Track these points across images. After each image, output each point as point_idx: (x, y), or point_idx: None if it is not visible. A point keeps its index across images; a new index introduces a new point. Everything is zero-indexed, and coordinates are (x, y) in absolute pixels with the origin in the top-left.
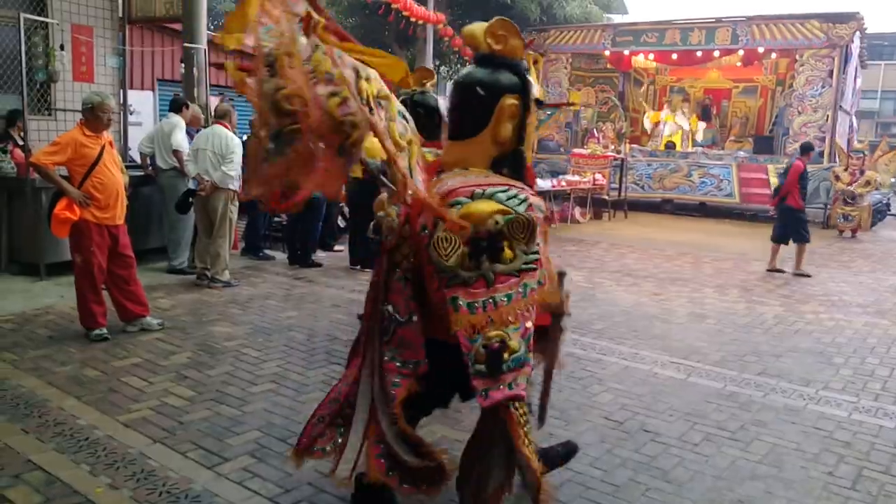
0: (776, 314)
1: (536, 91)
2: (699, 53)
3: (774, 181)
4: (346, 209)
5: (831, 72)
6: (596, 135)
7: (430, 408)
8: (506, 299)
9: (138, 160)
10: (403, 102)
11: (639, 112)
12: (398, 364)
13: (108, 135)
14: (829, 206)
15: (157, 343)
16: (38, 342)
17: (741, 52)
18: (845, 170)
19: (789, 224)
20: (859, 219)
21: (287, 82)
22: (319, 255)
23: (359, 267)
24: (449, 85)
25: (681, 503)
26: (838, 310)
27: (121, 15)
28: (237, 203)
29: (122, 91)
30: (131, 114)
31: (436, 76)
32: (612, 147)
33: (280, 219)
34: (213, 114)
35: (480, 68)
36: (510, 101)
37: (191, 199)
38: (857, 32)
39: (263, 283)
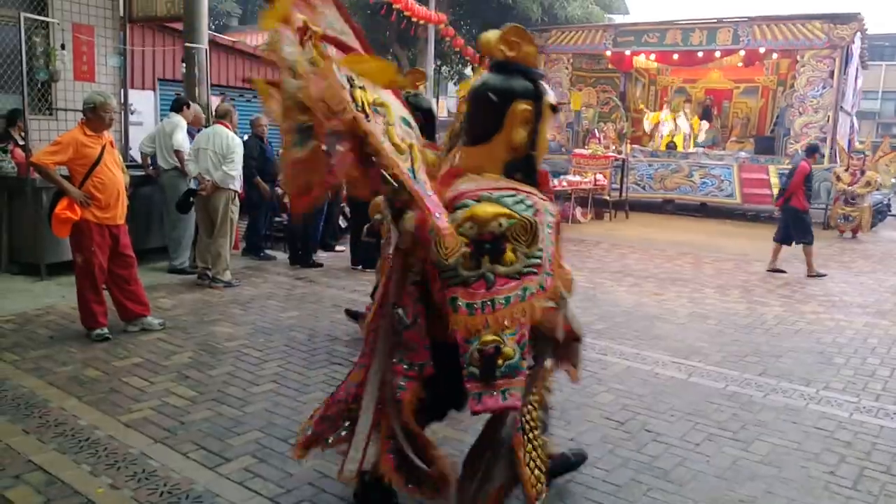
0: (777, 314)
1: (552, 97)
2: (700, 54)
3: (775, 181)
4: (347, 209)
5: (832, 72)
6: (597, 135)
7: (443, 410)
8: (504, 302)
9: (139, 160)
10: None
11: (640, 112)
12: (405, 366)
13: (108, 134)
14: (829, 207)
15: (158, 343)
16: (38, 342)
17: (742, 53)
18: (846, 170)
19: (793, 225)
20: (860, 219)
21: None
22: (320, 256)
23: (360, 267)
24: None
25: (682, 503)
26: (839, 310)
27: (122, 14)
28: (238, 203)
29: (122, 91)
30: (132, 113)
31: (426, 77)
32: (614, 147)
33: (281, 219)
34: (214, 113)
35: (495, 75)
36: (522, 106)
37: (192, 199)
38: (858, 33)
39: (264, 284)
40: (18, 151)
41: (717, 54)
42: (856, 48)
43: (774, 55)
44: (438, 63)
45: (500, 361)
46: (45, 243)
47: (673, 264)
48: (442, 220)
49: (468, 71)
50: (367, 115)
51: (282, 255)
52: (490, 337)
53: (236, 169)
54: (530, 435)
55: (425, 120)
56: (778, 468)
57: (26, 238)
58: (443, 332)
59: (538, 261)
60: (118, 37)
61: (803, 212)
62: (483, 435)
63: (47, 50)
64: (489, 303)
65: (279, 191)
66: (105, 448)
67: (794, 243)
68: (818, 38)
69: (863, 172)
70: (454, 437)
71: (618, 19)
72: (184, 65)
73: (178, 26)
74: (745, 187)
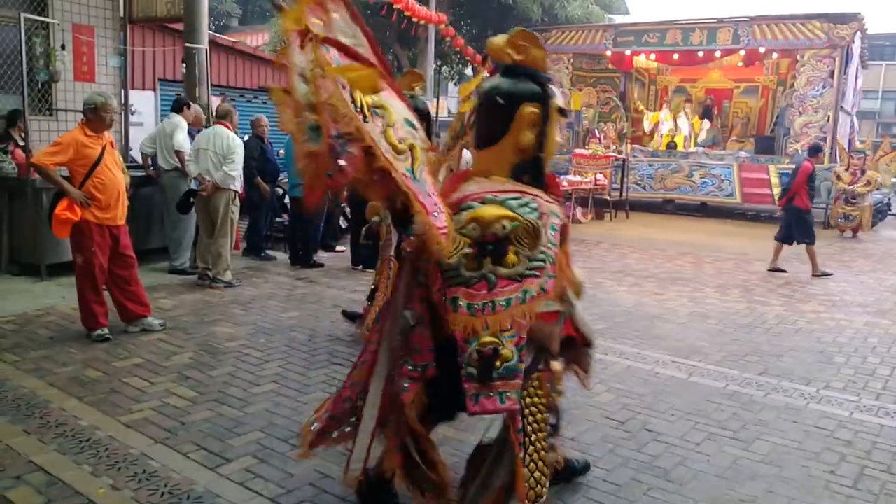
0: (777, 314)
1: (560, 100)
2: (700, 54)
3: (776, 181)
4: (347, 210)
5: (832, 72)
6: (597, 135)
7: (451, 412)
8: (505, 304)
9: (139, 160)
10: None
11: (640, 113)
12: (409, 367)
13: (109, 135)
14: (829, 206)
15: (159, 343)
16: (39, 343)
17: (742, 53)
18: (846, 170)
19: (796, 225)
20: (860, 218)
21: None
22: (321, 256)
23: (360, 267)
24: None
25: (683, 502)
26: (839, 309)
27: (122, 15)
28: (238, 203)
29: (123, 91)
30: (132, 114)
31: (423, 79)
32: (614, 147)
33: (282, 219)
34: (214, 114)
35: (503, 79)
36: (530, 109)
37: (192, 200)
38: (858, 33)
39: (265, 284)
40: (19, 152)
41: (718, 54)
42: (856, 48)
43: (774, 55)
44: (439, 63)
45: (497, 363)
46: (45, 244)
47: (673, 264)
48: (439, 219)
49: (468, 71)
50: (365, 117)
51: (282, 256)
52: (489, 338)
53: (237, 169)
54: (533, 437)
55: (421, 122)
56: (778, 467)
57: (26, 239)
58: (446, 333)
59: (540, 263)
60: (118, 37)
61: (806, 211)
62: (491, 437)
63: (47, 50)
64: (490, 304)
65: (279, 191)
66: (106, 449)
67: (795, 243)
68: (818, 38)
69: (863, 172)
70: (454, 437)
71: (618, 19)
72: (184, 65)
73: (179, 27)
74: (746, 187)
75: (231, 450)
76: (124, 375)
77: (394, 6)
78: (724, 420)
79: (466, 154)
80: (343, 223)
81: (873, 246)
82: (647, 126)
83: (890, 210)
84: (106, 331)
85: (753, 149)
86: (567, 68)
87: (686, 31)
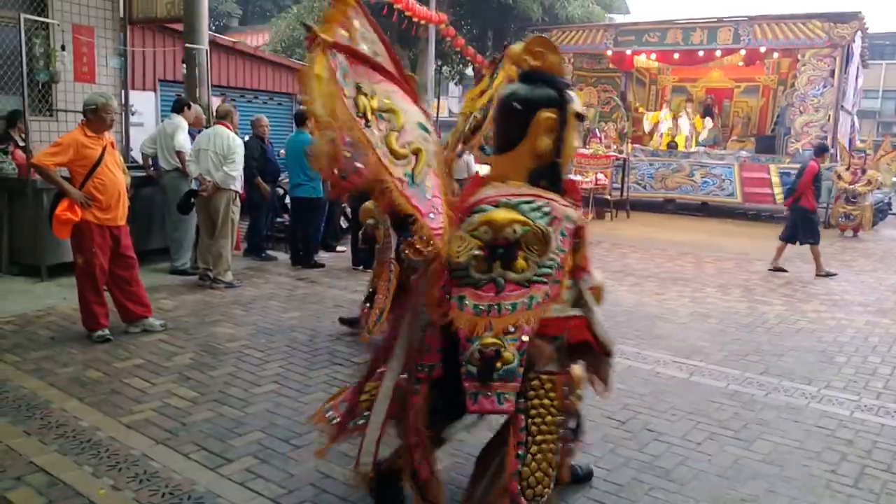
0: (778, 313)
1: (578, 105)
2: (701, 53)
3: (776, 181)
4: (348, 210)
5: (833, 71)
6: (598, 135)
7: (456, 413)
8: (511, 308)
9: (140, 161)
10: None
11: (640, 113)
12: (418, 368)
13: (109, 135)
14: (830, 206)
15: (160, 344)
16: (39, 344)
17: (743, 52)
18: (847, 169)
19: (801, 225)
20: (861, 218)
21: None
22: (322, 256)
23: (361, 268)
24: (452, 86)
25: (684, 502)
26: (840, 309)
27: (122, 15)
28: (239, 204)
29: (123, 92)
30: (133, 114)
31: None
32: (615, 147)
33: (282, 219)
34: (214, 114)
35: (521, 84)
36: (546, 114)
37: (193, 200)
38: (859, 32)
39: (266, 284)
40: (19, 153)
41: (718, 53)
42: (856, 47)
43: (775, 54)
44: (439, 63)
45: (498, 364)
46: (45, 244)
47: (674, 264)
48: (435, 220)
49: (469, 71)
50: (367, 122)
51: (283, 256)
52: (491, 340)
53: (237, 169)
54: (539, 437)
55: None
56: (779, 467)
57: (27, 239)
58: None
59: (549, 270)
60: (118, 38)
61: (812, 211)
62: (497, 435)
63: (47, 51)
64: (496, 307)
65: (280, 191)
66: (107, 449)
67: (798, 243)
68: (819, 38)
69: (864, 171)
70: (455, 437)
71: (618, 19)
72: (184, 66)
73: (179, 27)
74: (746, 186)
75: (232, 450)
76: (125, 376)
77: (394, 6)
78: (725, 420)
79: (469, 159)
80: (344, 223)
81: (874, 245)
82: (646, 126)
83: (890, 209)
84: (107, 331)
85: (754, 148)
86: (568, 68)
87: (687, 31)
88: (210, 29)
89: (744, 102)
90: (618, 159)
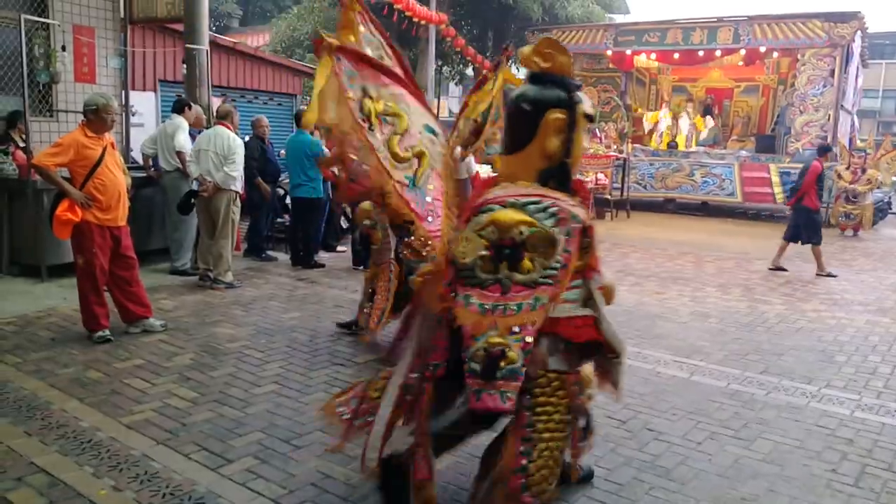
0: (778, 313)
1: (588, 106)
2: (701, 53)
3: (776, 180)
4: (348, 210)
5: (833, 71)
6: (598, 134)
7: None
8: (516, 308)
9: (140, 161)
10: None
11: (640, 113)
12: (426, 367)
13: (109, 136)
14: (830, 205)
15: (160, 344)
16: (40, 344)
17: (743, 52)
18: (847, 168)
19: (804, 224)
20: (861, 217)
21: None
22: (322, 256)
23: (361, 268)
24: (452, 86)
25: (684, 501)
26: (840, 308)
27: (122, 16)
28: (239, 204)
29: (123, 92)
30: (133, 115)
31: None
32: (615, 147)
33: (283, 220)
34: (215, 115)
35: (531, 86)
36: (555, 115)
37: (193, 200)
38: (859, 32)
39: (266, 285)
40: (19, 153)
41: (718, 53)
42: (856, 47)
43: (775, 54)
44: (439, 63)
45: (502, 364)
46: (46, 245)
47: (674, 263)
48: (433, 223)
49: (469, 71)
50: (370, 125)
51: (283, 256)
52: (497, 339)
53: (237, 170)
54: (546, 435)
55: None
56: (780, 466)
57: (27, 240)
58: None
59: (554, 272)
60: (119, 38)
61: (815, 211)
62: (501, 434)
63: (48, 52)
64: (501, 307)
65: (280, 192)
66: (107, 450)
67: (801, 243)
68: (819, 37)
69: (864, 170)
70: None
71: (618, 19)
72: (185, 66)
73: (179, 27)
74: (746, 186)
75: (232, 450)
76: (125, 376)
77: (394, 6)
78: (725, 419)
79: (470, 159)
80: (344, 223)
81: (874, 244)
82: (646, 126)
83: (890, 209)
84: (107, 332)
85: (754, 148)
86: None
87: (686, 31)
88: (210, 29)
89: (744, 102)
90: (618, 159)
